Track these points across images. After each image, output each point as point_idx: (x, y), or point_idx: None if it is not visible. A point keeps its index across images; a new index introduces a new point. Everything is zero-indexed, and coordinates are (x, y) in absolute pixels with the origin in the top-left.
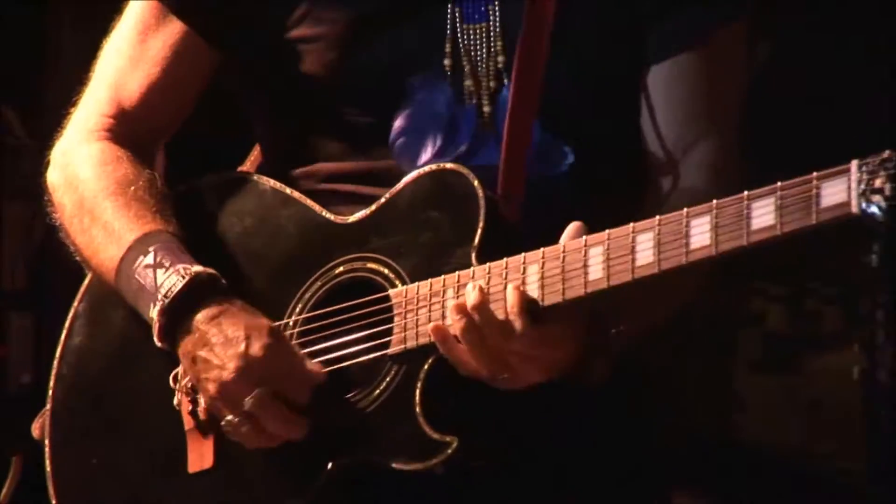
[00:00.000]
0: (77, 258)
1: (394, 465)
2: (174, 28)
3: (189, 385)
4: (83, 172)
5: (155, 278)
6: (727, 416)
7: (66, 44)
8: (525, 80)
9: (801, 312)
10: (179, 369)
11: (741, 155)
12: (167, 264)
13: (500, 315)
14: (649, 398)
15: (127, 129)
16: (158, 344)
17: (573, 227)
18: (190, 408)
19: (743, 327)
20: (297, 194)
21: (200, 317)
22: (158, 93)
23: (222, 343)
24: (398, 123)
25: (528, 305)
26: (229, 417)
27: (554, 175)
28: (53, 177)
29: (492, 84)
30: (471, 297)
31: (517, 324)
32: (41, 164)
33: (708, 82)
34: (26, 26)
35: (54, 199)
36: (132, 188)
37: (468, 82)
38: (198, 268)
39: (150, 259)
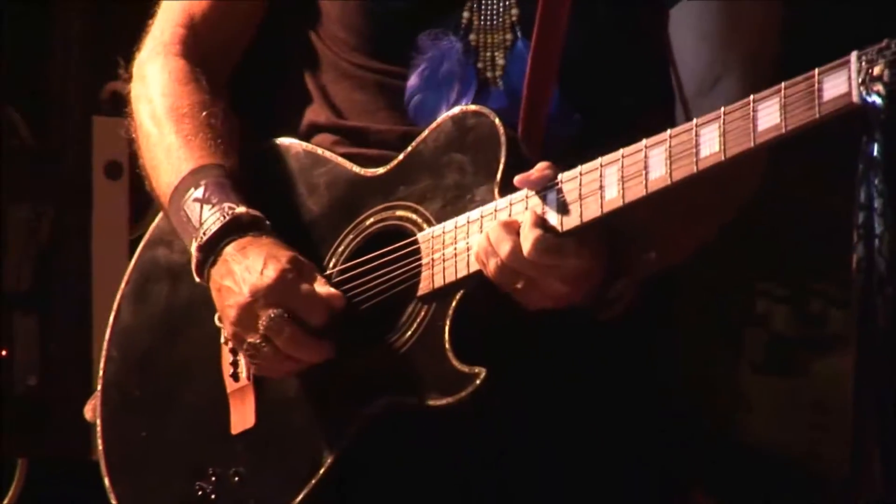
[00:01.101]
0: (141, 172)
1: (426, 402)
2: None
3: (230, 345)
4: (158, 87)
5: (200, 213)
6: (731, 416)
7: (72, 46)
8: (546, 34)
9: (806, 314)
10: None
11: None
12: (214, 201)
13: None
14: (673, 343)
15: (199, 43)
16: (197, 279)
17: (543, 164)
18: (231, 371)
19: (748, 328)
20: (328, 154)
21: (230, 248)
22: (228, 14)
23: (242, 270)
24: (411, 83)
25: (543, 224)
26: (249, 340)
27: (565, 137)
28: (136, 89)
29: (507, 37)
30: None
31: (531, 237)
32: (47, 165)
33: (735, 15)
34: (32, 27)
35: (133, 109)
36: (204, 113)
37: (481, 35)
38: (241, 209)
39: (199, 193)
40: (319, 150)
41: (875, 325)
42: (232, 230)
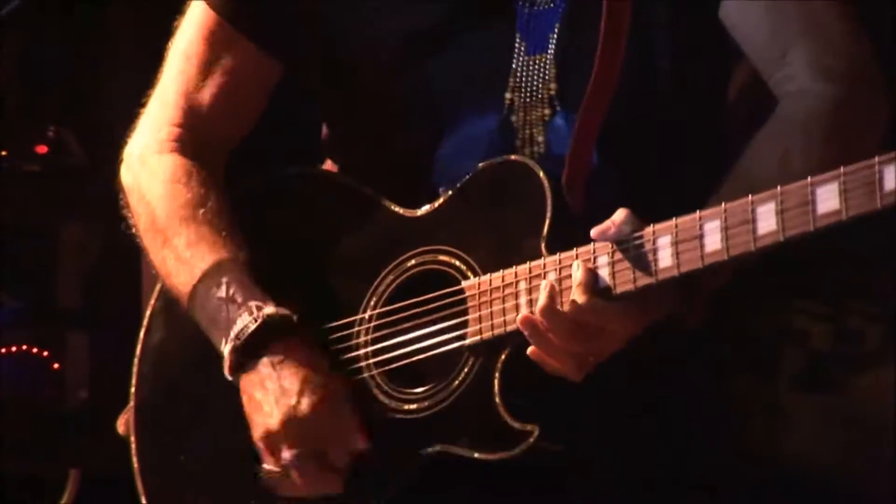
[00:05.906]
0: (152, 269)
1: (476, 455)
2: (245, 46)
3: None
4: (155, 188)
5: (228, 314)
6: (771, 433)
7: (123, 64)
8: (594, 104)
9: (844, 331)
10: None
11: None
12: (239, 300)
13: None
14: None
15: (195, 139)
16: (228, 378)
17: (622, 212)
18: None
19: (786, 345)
20: (365, 188)
21: (265, 359)
22: (227, 106)
23: (276, 392)
24: (442, 151)
25: (596, 288)
26: (266, 466)
27: (604, 197)
28: (127, 179)
29: (545, 112)
30: (541, 298)
31: (581, 300)
32: (98, 184)
33: None
34: (83, 47)
35: (129, 201)
36: (201, 211)
37: (520, 114)
38: (269, 309)
39: (222, 292)
40: (356, 185)
41: None
42: (265, 335)
